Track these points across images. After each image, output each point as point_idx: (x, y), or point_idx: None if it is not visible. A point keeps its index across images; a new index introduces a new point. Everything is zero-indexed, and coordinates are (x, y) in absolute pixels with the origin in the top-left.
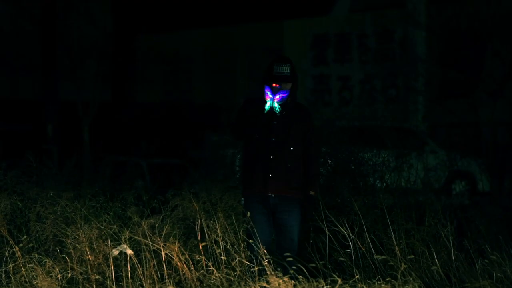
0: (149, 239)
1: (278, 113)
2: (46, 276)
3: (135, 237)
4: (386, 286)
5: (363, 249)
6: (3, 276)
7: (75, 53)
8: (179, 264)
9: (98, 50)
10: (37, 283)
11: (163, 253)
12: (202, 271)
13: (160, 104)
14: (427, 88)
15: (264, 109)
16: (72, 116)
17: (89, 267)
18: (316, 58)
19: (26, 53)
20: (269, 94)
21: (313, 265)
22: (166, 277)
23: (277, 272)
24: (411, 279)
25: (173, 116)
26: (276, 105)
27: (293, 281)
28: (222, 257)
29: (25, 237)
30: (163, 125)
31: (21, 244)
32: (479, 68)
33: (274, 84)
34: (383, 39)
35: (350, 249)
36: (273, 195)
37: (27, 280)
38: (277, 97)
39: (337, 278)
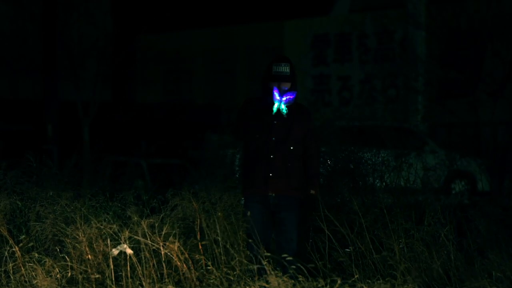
0: (148, 239)
1: (285, 114)
2: (45, 276)
3: (135, 237)
4: (385, 285)
5: (363, 249)
6: (3, 275)
7: (75, 53)
8: (178, 263)
9: (98, 50)
10: (36, 282)
11: (162, 252)
12: (201, 270)
13: (160, 104)
14: (427, 88)
15: (265, 109)
16: (72, 116)
17: (88, 267)
18: (316, 58)
19: (26, 53)
20: (276, 96)
21: (313, 265)
22: (166, 276)
23: (276, 271)
24: (410, 278)
25: (173, 116)
26: (283, 106)
27: (292, 281)
28: (222, 256)
29: (24, 236)
30: (163, 125)
31: (21, 244)
32: (479, 68)
33: (283, 86)
34: (383, 39)
35: (350, 249)
36: (273, 194)
37: (27, 279)
38: (284, 98)
39: (337, 278)
